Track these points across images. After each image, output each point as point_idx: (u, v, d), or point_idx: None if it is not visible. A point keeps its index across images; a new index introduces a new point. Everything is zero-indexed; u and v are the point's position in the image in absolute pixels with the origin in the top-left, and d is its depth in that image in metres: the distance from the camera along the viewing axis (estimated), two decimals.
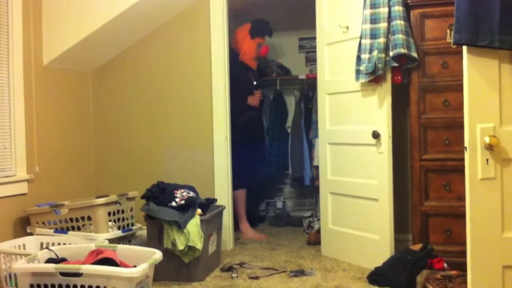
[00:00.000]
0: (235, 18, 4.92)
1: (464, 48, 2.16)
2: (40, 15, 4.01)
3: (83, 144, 4.55)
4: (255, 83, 5.12)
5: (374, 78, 3.55)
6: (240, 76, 4.94)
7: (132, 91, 4.63)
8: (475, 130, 2.12)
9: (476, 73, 2.13)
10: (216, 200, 4.04)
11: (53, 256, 2.88)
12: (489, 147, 2.08)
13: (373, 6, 3.53)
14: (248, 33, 4.99)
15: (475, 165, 2.12)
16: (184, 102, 4.51)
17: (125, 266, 2.73)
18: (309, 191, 5.54)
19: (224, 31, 4.41)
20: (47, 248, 3.03)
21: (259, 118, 5.32)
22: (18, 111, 3.74)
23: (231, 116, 4.55)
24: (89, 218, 3.55)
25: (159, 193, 3.65)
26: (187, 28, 4.50)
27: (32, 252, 3.00)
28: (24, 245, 3.41)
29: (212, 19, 4.42)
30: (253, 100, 5.05)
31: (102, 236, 3.46)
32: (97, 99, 4.68)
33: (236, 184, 4.67)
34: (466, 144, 2.14)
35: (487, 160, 2.11)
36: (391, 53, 3.46)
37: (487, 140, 2.08)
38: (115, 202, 3.67)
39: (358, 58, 3.62)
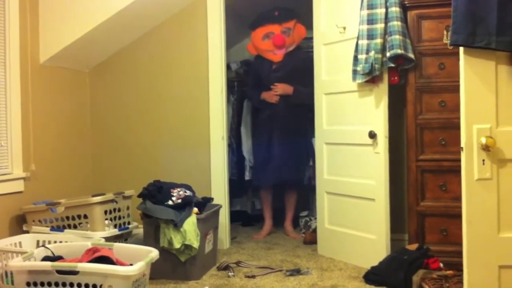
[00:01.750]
0: (232, 18, 4.91)
1: (461, 49, 2.17)
2: (37, 12, 4.00)
3: (79, 143, 4.54)
4: (274, 75, 4.82)
5: (371, 78, 3.56)
6: (252, 70, 5.01)
7: (129, 90, 4.63)
8: (472, 131, 2.13)
9: (473, 74, 2.14)
10: (212, 199, 4.05)
11: (50, 254, 2.88)
12: (486, 148, 2.09)
13: (370, 7, 3.54)
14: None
15: (471, 165, 2.13)
16: (181, 101, 4.52)
17: (122, 264, 2.73)
18: (305, 190, 5.54)
19: (221, 31, 4.41)
20: (43, 246, 3.03)
21: (277, 116, 4.79)
22: (14, 109, 3.74)
23: (253, 113, 5.09)
24: (85, 217, 3.55)
25: (156, 192, 3.65)
26: (185, 27, 4.50)
27: (28, 250, 3.00)
28: (20, 243, 3.41)
29: (210, 19, 4.42)
30: (268, 95, 4.82)
31: (98, 235, 3.46)
32: (94, 97, 4.68)
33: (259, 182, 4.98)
34: (462, 144, 2.15)
35: (483, 160, 2.12)
36: (388, 54, 3.47)
37: (483, 140, 2.09)
38: (112, 201, 3.67)
39: (355, 59, 3.63)
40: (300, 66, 4.74)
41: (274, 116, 4.81)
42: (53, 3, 4.02)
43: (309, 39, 4.75)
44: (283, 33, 4.74)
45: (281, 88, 4.75)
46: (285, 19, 4.77)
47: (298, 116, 4.85)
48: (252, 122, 5.30)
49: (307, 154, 4.92)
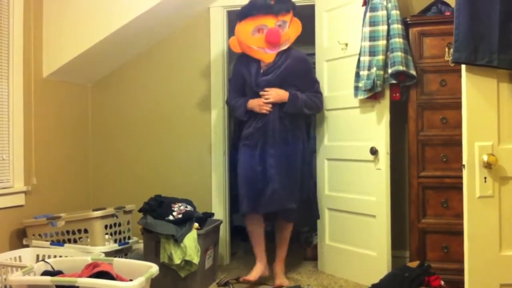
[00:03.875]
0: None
1: (463, 66, 2.17)
2: (40, 28, 4.03)
3: (81, 157, 4.55)
4: (264, 78, 3.82)
5: (373, 94, 3.57)
6: (235, 73, 4.05)
7: (131, 105, 4.64)
8: (474, 148, 2.12)
9: (475, 91, 2.14)
10: (213, 214, 4.04)
11: (49, 268, 2.87)
12: (487, 165, 2.09)
13: (372, 24, 3.55)
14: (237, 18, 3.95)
15: (473, 183, 2.13)
16: (183, 116, 4.53)
17: (122, 279, 2.72)
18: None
19: (224, 47, 4.44)
20: (43, 260, 3.03)
21: (270, 130, 3.76)
22: (17, 122, 3.75)
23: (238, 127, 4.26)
24: (85, 231, 3.54)
25: (157, 207, 3.65)
26: (188, 43, 4.53)
27: (28, 264, 2.99)
28: (20, 257, 3.40)
29: (212, 35, 4.46)
30: (256, 104, 3.81)
31: (98, 249, 3.45)
32: (96, 112, 4.69)
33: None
34: (464, 162, 2.15)
35: (485, 178, 2.11)
36: (389, 70, 3.48)
37: (485, 158, 2.09)
38: (112, 215, 3.67)
39: (357, 75, 3.64)
40: (294, 67, 3.86)
41: (265, 130, 3.79)
42: (56, 18, 4.05)
43: (311, 55, 4.77)
44: (279, 27, 3.83)
45: (274, 95, 3.78)
46: (282, 10, 3.84)
47: (296, 129, 3.89)
48: (235, 139, 4.23)
49: (310, 174, 3.99)
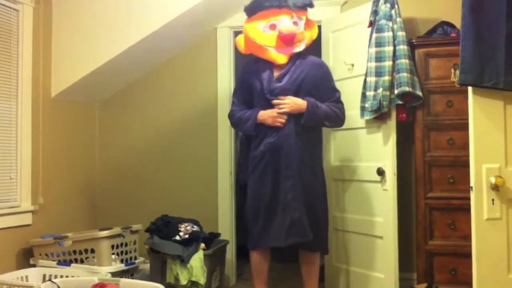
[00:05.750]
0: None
1: (470, 88, 2.18)
2: (49, 48, 4.08)
3: (88, 176, 4.56)
4: (278, 85, 3.32)
5: (379, 115, 3.57)
6: (241, 80, 3.57)
7: (138, 124, 4.67)
8: (481, 170, 2.12)
9: (482, 113, 2.15)
10: (219, 234, 4.03)
11: None
12: (495, 188, 2.08)
13: (378, 44, 3.57)
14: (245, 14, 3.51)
15: (481, 205, 2.12)
16: (189, 136, 4.54)
17: None
18: None
19: (231, 67, 4.48)
20: (49, 280, 3.02)
21: (285, 147, 3.27)
22: (25, 142, 3.78)
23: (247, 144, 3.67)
24: (92, 251, 3.54)
25: (163, 227, 3.64)
26: (194, 63, 4.57)
27: (34, 284, 2.99)
28: (26, 276, 3.40)
29: (219, 54, 4.50)
30: (268, 116, 3.32)
31: (105, 269, 3.45)
32: (103, 131, 4.72)
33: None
34: (472, 184, 2.14)
35: (493, 200, 2.11)
36: (396, 91, 3.50)
37: (492, 180, 2.08)
38: (119, 235, 3.67)
39: (363, 95, 3.65)
40: (311, 72, 3.40)
41: (278, 148, 3.29)
42: (65, 39, 4.10)
43: None
44: (294, 24, 3.41)
45: (291, 104, 3.29)
46: (297, 4, 3.41)
47: (314, 147, 3.43)
48: (241, 159, 3.83)
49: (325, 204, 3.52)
